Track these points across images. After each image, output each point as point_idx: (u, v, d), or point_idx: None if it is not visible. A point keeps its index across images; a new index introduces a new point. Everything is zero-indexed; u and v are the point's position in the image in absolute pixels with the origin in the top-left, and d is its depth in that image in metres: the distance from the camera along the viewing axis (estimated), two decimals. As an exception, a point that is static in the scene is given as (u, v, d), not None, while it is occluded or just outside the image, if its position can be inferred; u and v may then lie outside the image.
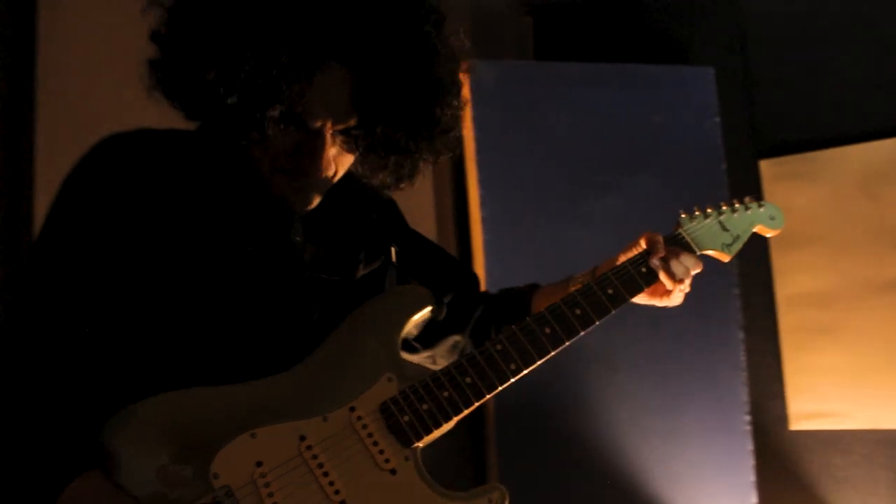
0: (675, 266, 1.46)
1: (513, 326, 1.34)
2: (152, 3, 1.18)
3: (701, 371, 3.19)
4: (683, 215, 1.55)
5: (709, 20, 3.50)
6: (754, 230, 1.60)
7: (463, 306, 1.59)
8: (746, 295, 3.25)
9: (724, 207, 1.58)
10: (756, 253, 3.31)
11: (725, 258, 1.57)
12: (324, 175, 1.22)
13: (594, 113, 3.28)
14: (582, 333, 1.38)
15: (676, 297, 1.50)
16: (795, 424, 3.25)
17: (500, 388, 1.30)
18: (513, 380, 1.31)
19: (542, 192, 3.23)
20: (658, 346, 3.11)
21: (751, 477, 3.14)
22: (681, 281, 1.47)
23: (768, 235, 1.63)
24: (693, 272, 1.49)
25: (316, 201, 1.29)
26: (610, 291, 1.41)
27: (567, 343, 1.36)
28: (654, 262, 1.46)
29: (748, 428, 3.17)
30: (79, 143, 1.85)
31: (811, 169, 3.29)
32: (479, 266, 3.20)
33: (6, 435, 1.11)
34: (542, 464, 3.10)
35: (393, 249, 1.48)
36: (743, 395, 3.19)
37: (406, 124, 1.22)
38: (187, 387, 1.18)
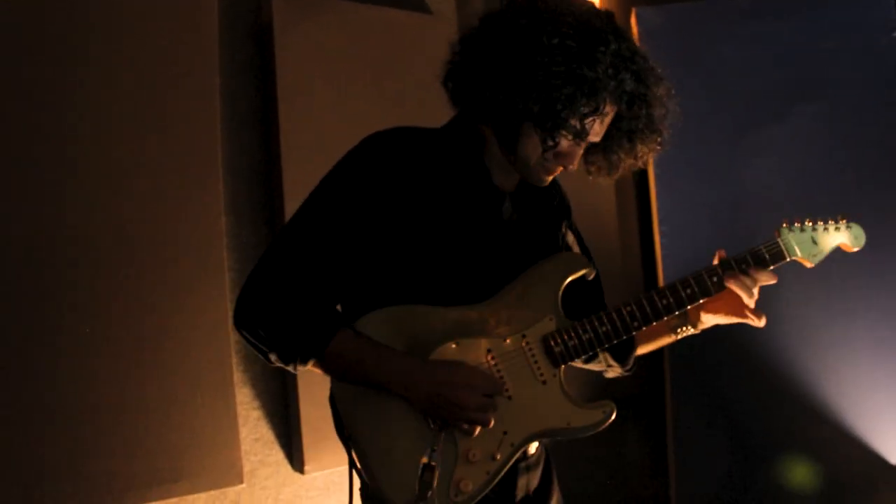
0: (745, 280, 1.79)
1: (640, 296, 1.79)
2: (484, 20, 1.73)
3: (871, 284, 3.32)
4: (784, 226, 1.85)
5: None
6: (838, 245, 1.89)
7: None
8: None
9: (819, 224, 1.87)
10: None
11: (809, 265, 1.87)
12: (571, 169, 1.78)
13: (763, 45, 3.41)
14: (678, 311, 1.80)
15: (750, 316, 1.83)
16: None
17: (624, 338, 1.77)
18: (634, 333, 1.78)
19: (713, 126, 3.45)
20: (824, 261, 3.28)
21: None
22: (749, 291, 1.79)
23: (851, 251, 1.91)
24: (762, 283, 1.80)
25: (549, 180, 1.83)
26: (689, 291, 1.80)
27: (677, 311, 1.79)
28: (729, 277, 1.79)
29: (922, 337, 3.29)
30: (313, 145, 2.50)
31: None
32: (652, 197, 3.55)
33: (295, 316, 1.66)
34: (714, 377, 3.47)
35: (565, 225, 1.99)
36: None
37: (642, 141, 1.81)
38: (415, 304, 1.72)
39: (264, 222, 2.91)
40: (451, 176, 1.76)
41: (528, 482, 1.84)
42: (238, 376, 2.79)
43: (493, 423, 1.65)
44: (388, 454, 1.65)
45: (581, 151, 1.77)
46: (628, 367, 2.02)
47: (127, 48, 2.61)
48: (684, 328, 1.94)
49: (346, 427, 1.69)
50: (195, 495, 2.63)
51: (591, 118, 1.67)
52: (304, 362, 1.68)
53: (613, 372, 2.04)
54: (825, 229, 1.87)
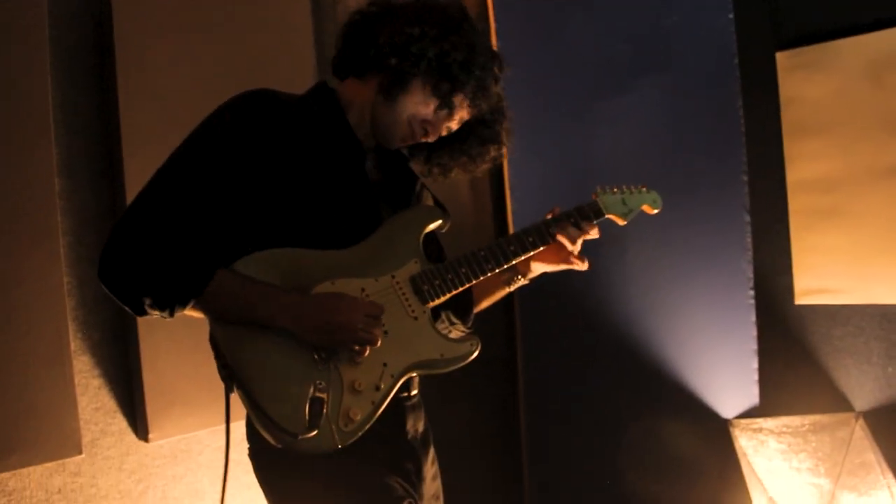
0: (573, 231, 2.05)
1: (491, 243, 2.00)
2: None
3: (707, 251, 3.53)
4: (599, 189, 2.11)
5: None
6: (642, 208, 2.16)
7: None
8: (755, 181, 3.53)
9: (626, 189, 2.14)
10: (767, 142, 3.56)
11: (622, 222, 2.13)
12: (434, 138, 1.99)
13: (612, 19, 3.53)
14: (524, 256, 2.02)
15: (576, 261, 2.07)
16: (800, 299, 3.53)
17: (481, 278, 1.96)
18: (489, 273, 1.97)
19: (563, 96, 3.56)
20: (666, 230, 3.45)
21: (753, 345, 3.52)
22: (573, 240, 2.04)
23: (652, 213, 2.18)
24: (586, 237, 2.06)
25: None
26: (531, 239, 2.03)
27: (523, 256, 2.01)
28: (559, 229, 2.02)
29: (752, 302, 3.53)
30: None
31: (825, 58, 3.40)
32: (504, 164, 3.62)
33: (172, 258, 1.72)
34: (562, 337, 3.60)
35: (419, 184, 2.15)
36: (748, 272, 3.53)
37: (489, 139, 2.05)
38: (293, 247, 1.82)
39: (104, 183, 2.78)
40: (318, 132, 1.89)
41: (415, 423, 1.98)
42: (77, 344, 2.68)
43: (379, 342, 1.77)
44: (277, 389, 1.72)
45: (442, 128, 1.96)
46: (469, 324, 2.15)
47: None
48: (516, 279, 2.14)
49: (231, 367, 1.73)
50: (29, 468, 2.52)
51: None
52: (184, 304, 1.71)
53: (457, 331, 2.14)
54: (631, 193, 2.15)
